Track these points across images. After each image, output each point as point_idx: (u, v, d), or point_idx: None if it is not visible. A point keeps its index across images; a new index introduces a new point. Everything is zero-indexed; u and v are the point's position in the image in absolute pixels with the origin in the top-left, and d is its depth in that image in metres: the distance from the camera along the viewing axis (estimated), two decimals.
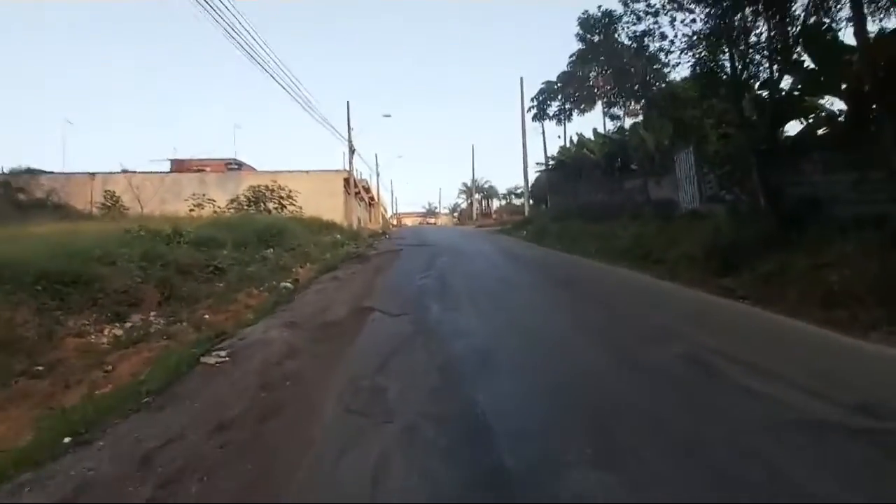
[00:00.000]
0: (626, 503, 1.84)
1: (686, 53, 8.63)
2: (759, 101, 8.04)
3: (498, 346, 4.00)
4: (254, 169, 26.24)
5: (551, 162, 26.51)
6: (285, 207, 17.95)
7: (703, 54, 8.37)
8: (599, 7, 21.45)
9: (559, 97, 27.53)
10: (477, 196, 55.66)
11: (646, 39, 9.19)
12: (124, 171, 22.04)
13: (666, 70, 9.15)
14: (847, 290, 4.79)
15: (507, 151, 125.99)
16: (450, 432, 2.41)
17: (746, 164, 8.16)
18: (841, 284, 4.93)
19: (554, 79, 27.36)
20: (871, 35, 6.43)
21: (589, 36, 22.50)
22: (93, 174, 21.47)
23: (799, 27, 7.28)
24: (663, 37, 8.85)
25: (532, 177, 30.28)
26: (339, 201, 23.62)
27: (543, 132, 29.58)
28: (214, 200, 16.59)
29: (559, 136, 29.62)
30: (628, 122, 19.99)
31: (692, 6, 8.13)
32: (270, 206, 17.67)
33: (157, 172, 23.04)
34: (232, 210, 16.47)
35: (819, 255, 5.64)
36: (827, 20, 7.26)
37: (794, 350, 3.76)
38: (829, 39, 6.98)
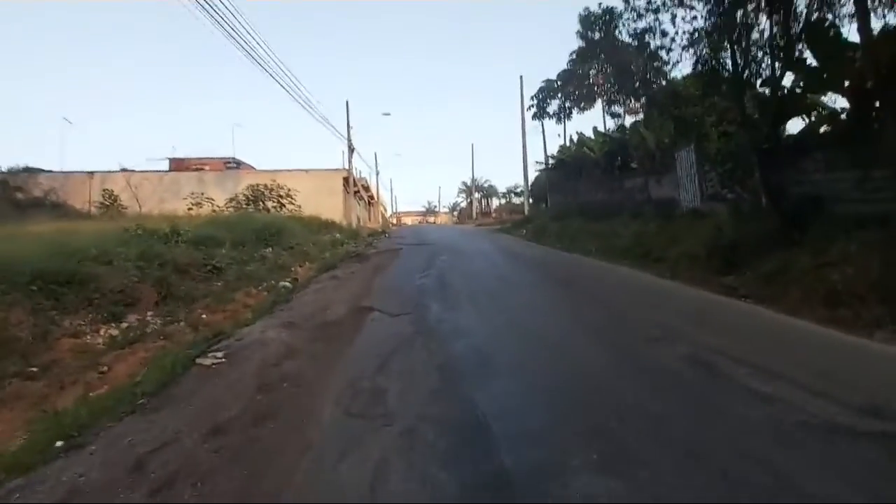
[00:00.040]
0: None
1: (687, 51, 8.58)
2: (761, 99, 7.98)
3: (498, 347, 3.95)
4: (253, 168, 26.17)
5: (551, 161, 26.44)
6: (284, 206, 17.90)
7: (704, 51, 8.31)
8: (600, 4, 21.40)
9: (559, 95, 27.43)
10: (476, 195, 55.59)
11: (646, 36, 9.13)
12: (123, 170, 21.95)
13: (667, 68, 9.10)
14: (850, 289, 4.74)
15: (506, 150, 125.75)
16: (451, 436, 2.35)
17: (748, 163, 8.10)
18: (844, 283, 4.87)
19: (554, 77, 27.29)
20: (875, 31, 6.37)
21: (589, 33, 22.41)
22: (91, 173, 21.38)
23: (802, 23, 7.22)
24: (664, 34, 8.81)
25: (532, 176, 30.25)
26: (339, 200, 23.56)
27: (543, 131, 29.56)
28: (213, 199, 16.54)
29: (559, 135, 29.60)
30: (629, 121, 19.92)
31: (693, 3, 8.07)
32: (269, 204, 17.62)
33: (155, 171, 22.95)
34: (231, 209, 16.42)
35: (822, 254, 5.58)
36: (830, 16, 7.20)
37: (798, 350, 3.71)
38: (833, 36, 6.90)
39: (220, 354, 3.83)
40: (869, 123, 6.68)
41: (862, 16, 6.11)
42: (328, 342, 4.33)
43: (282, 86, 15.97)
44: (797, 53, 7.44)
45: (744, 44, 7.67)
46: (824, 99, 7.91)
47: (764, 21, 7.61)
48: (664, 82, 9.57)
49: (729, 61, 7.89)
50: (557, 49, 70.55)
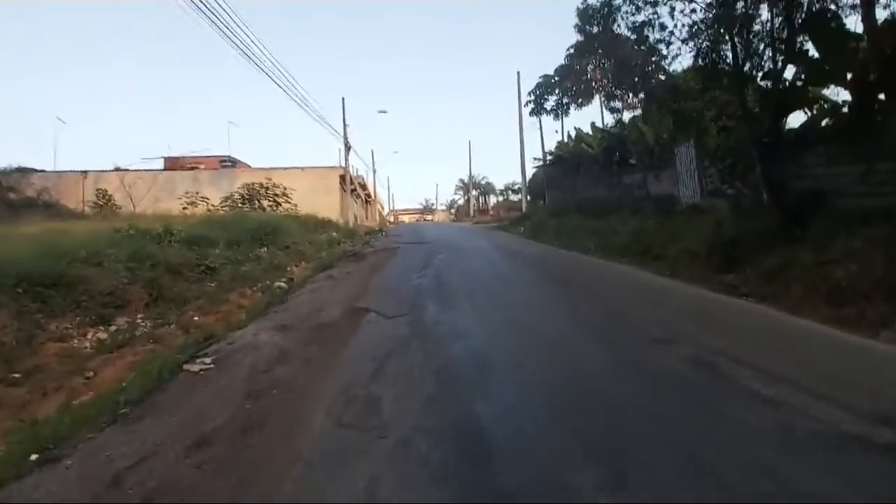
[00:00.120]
0: None
1: (687, 44, 8.43)
2: (762, 92, 7.86)
3: (497, 349, 3.84)
4: (248, 166, 25.96)
5: (549, 157, 26.31)
6: (280, 205, 17.75)
7: (704, 44, 8.17)
8: None
9: (556, 91, 27.23)
10: (474, 192, 55.40)
11: (645, 30, 8.98)
12: (117, 170, 21.76)
13: (666, 62, 8.96)
14: (854, 287, 4.64)
15: (504, 147, 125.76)
16: (448, 449, 2.23)
17: (749, 158, 7.99)
18: (848, 281, 4.77)
19: (551, 73, 27.09)
20: (879, 22, 6.25)
21: (588, 27, 22.20)
22: (85, 172, 21.20)
23: (804, 14, 7.09)
24: (663, 27, 8.66)
25: (529, 172, 30.08)
26: (335, 198, 23.40)
27: (541, 127, 29.33)
28: (208, 198, 16.38)
29: (556, 131, 29.48)
30: (627, 116, 19.77)
31: None
32: (265, 203, 17.47)
33: (150, 171, 22.74)
34: (226, 208, 16.27)
35: (824, 251, 5.48)
36: (833, 7, 7.08)
37: (803, 351, 3.61)
38: (835, 27, 6.79)
39: (208, 360, 3.71)
40: (872, 116, 6.58)
41: (866, 5, 5.99)
42: (322, 345, 4.22)
43: (276, 83, 15.84)
44: (799, 45, 7.33)
45: (744, 36, 7.54)
46: (826, 92, 7.80)
47: (765, 12, 7.49)
48: (663, 77, 9.42)
49: (729, 54, 7.77)
50: (555, 44, 70.53)
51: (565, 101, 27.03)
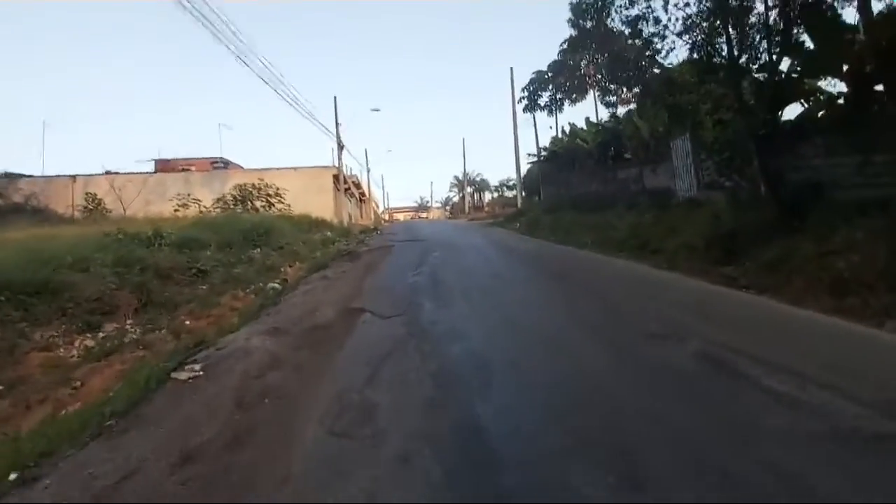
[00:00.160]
0: None
1: (682, 37, 8.35)
2: (758, 85, 7.80)
3: (495, 349, 3.74)
4: (240, 167, 25.68)
5: (543, 153, 26.22)
6: (273, 205, 17.55)
7: (699, 38, 8.09)
8: None
9: (550, 87, 27.08)
10: (469, 189, 55.26)
11: (640, 24, 8.89)
12: (107, 173, 21.44)
13: (661, 56, 8.86)
14: (857, 277, 4.60)
15: (498, 144, 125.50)
16: (448, 458, 2.13)
17: (745, 150, 7.93)
18: (850, 271, 4.73)
19: (545, 68, 26.95)
20: (875, 13, 6.19)
21: (581, 22, 22.06)
22: (74, 177, 20.86)
23: (799, 6, 7.03)
24: (657, 21, 8.57)
25: (524, 168, 29.96)
26: (329, 198, 23.21)
27: (535, 123, 29.25)
28: (200, 200, 16.16)
29: (551, 127, 29.41)
30: (622, 111, 19.71)
31: None
32: (258, 204, 17.27)
33: (140, 173, 22.42)
34: (218, 209, 16.06)
35: (824, 242, 5.44)
36: None
37: (808, 342, 3.54)
38: (831, 18, 6.74)
39: (197, 367, 3.58)
40: (868, 107, 6.53)
41: None
42: (316, 349, 4.10)
43: (266, 83, 15.64)
44: (794, 37, 7.27)
45: (740, 28, 7.47)
46: (822, 83, 7.75)
47: (760, 4, 7.41)
48: (658, 70, 9.33)
49: (724, 47, 7.69)
50: (548, 40, 70.42)
51: (559, 96, 26.87)
